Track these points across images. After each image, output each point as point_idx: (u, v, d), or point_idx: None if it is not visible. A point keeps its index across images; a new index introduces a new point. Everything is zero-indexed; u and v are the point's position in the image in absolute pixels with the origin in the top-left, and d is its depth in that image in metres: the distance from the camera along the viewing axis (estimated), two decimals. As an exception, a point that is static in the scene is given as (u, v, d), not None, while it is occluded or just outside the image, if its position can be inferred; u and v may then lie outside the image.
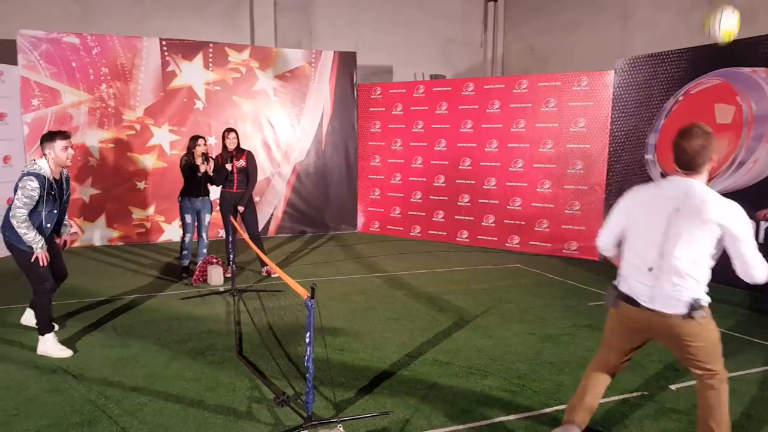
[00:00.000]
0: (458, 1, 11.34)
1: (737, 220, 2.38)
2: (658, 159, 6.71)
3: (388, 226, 9.04)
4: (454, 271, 6.76)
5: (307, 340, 2.92)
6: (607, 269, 5.13)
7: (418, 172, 8.69)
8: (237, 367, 3.85)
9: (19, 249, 3.89)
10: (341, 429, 2.95)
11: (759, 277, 2.40)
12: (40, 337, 4.02)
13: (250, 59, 8.44)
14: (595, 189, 7.42)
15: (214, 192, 6.21)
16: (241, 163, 6.06)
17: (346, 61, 8.96)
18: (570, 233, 7.60)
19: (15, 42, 7.22)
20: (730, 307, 5.36)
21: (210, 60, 8.20)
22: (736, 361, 4.03)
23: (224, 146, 6.05)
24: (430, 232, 8.67)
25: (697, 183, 2.49)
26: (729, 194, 5.79)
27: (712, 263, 2.45)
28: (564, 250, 7.63)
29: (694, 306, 2.42)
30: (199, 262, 6.02)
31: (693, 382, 3.48)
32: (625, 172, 7.05)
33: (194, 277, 5.93)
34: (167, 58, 7.96)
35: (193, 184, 5.99)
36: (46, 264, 3.94)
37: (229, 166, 6.01)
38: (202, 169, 5.88)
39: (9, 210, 3.82)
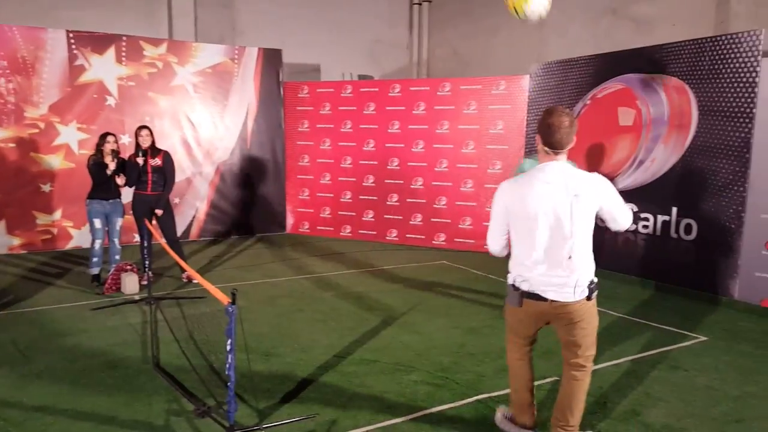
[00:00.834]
0: (385, 2, 11.38)
1: (609, 188, 2.55)
2: (568, 158, 7.00)
3: (318, 227, 8.91)
4: (383, 270, 6.76)
5: (228, 347, 2.78)
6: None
7: (347, 172, 8.62)
8: (154, 380, 3.62)
9: None
10: (266, 438, 2.83)
11: (628, 223, 2.64)
12: None
13: (168, 54, 8.04)
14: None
15: (126, 195, 5.83)
16: (157, 162, 5.73)
17: (271, 59, 8.74)
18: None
19: None
20: (625, 293, 5.81)
21: (123, 54, 7.72)
22: (635, 343, 4.36)
23: (137, 144, 5.69)
24: (360, 231, 8.62)
25: (568, 164, 2.57)
26: (631, 191, 6.30)
27: None
28: (486, 246, 7.81)
29: (592, 288, 2.55)
30: (112, 270, 5.63)
31: (598, 366, 3.72)
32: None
33: (106, 285, 5.54)
34: (75, 52, 7.41)
35: (102, 185, 5.58)
36: None
37: (140, 160, 5.64)
38: (112, 167, 5.50)
39: None
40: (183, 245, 6.40)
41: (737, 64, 5.33)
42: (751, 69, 5.22)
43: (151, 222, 5.67)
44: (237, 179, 8.72)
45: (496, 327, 4.66)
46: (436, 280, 6.27)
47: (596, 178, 2.55)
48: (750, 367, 3.95)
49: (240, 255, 7.58)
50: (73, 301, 5.29)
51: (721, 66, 5.47)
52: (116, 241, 5.80)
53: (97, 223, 5.62)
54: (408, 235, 8.33)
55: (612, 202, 2.55)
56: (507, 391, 3.11)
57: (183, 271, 5.91)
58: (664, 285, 5.96)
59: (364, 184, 8.52)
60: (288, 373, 3.75)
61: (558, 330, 2.67)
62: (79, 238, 7.59)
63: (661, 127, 6.06)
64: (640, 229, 6.25)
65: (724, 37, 5.48)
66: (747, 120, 5.27)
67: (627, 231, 6.39)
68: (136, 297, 5.39)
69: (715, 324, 4.89)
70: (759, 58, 5.17)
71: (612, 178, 6.57)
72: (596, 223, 2.58)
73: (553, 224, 2.49)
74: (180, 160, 7.91)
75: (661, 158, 6.07)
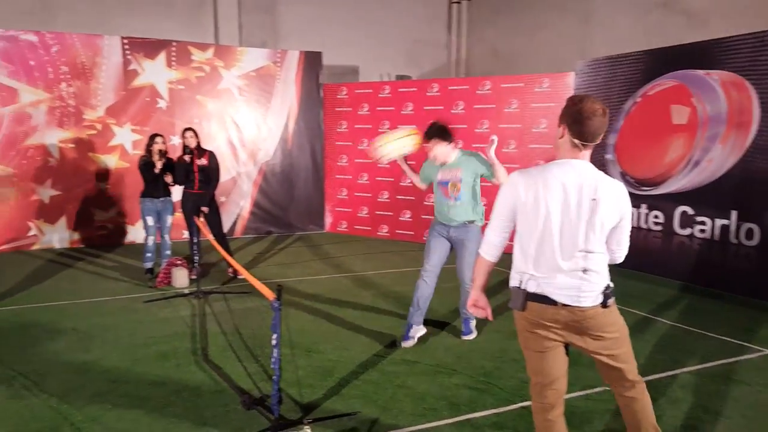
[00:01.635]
0: (423, 2, 11.44)
1: (630, 205, 2.30)
2: (618, 159, 6.94)
3: (356, 226, 9.08)
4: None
5: (274, 342, 2.94)
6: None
7: (385, 172, 8.75)
8: (203, 371, 3.84)
9: None
10: (308, 430, 2.99)
11: (623, 257, 2.36)
12: None
13: (214, 58, 8.35)
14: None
15: (177, 193, 6.13)
16: (203, 161, 6.00)
17: (311, 61, 8.95)
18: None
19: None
20: (680, 300, 5.58)
21: (173, 59, 8.08)
22: (692, 354, 4.20)
23: (184, 145, 5.98)
24: (397, 231, 8.74)
25: (591, 165, 2.25)
26: (686, 192, 6.17)
27: None
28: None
29: (608, 294, 2.25)
30: (163, 264, 5.94)
31: (651, 377, 3.69)
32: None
33: (158, 279, 5.85)
34: (129, 57, 7.80)
35: (153, 184, 5.91)
36: None
37: (187, 158, 5.93)
38: (159, 166, 5.80)
39: None
40: (228, 242, 6.66)
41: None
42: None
43: (199, 219, 5.95)
44: (278, 179, 8.98)
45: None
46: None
47: (621, 187, 2.26)
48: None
49: (281, 252, 7.82)
50: (128, 294, 5.61)
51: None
52: (167, 237, 6.12)
53: (150, 220, 5.95)
54: (445, 235, 8.38)
55: (627, 222, 2.30)
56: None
57: (229, 266, 6.18)
58: (723, 293, 5.73)
59: (401, 183, 8.63)
60: (330, 369, 3.89)
61: (586, 351, 2.29)
62: (133, 233, 8.00)
63: (718, 125, 5.86)
64: (696, 234, 6.06)
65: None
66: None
67: (681, 235, 6.24)
68: (186, 291, 5.67)
69: (780, 336, 4.61)
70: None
71: (665, 180, 6.44)
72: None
73: (566, 226, 2.19)
74: (225, 160, 8.21)
75: (719, 159, 5.87)
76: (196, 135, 6.01)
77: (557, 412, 2.34)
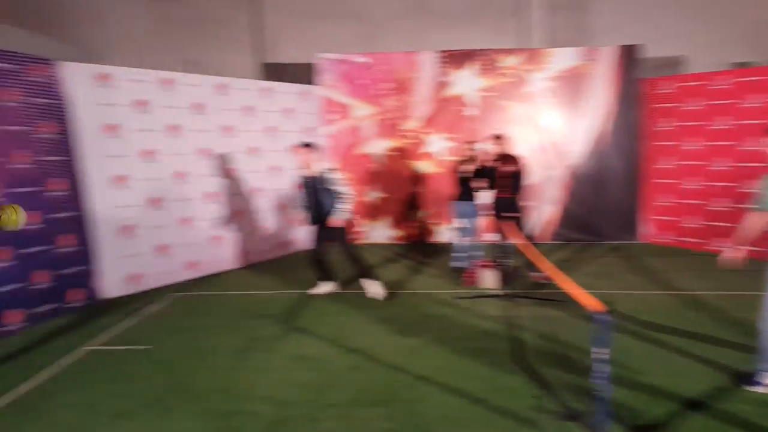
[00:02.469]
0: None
1: None
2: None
3: (681, 238, 7.91)
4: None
5: (598, 356, 2.66)
6: None
7: (720, 175, 7.39)
8: (515, 373, 3.78)
9: None
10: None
11: None
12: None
13: (521, 63, 8.36)
14: None
15: (485, 197, 6.28)
16: (510, 167, 6.00)
17: (628, 56, 8.17)
18: None
19: (314, 65, 8.53)
20: None
21: (480, 67, 8.39)
22: None
23: (492, 152, 6.08)
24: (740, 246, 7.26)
25: None
26: None
27: None
28: None
29: None
30: (472, 265, 6.15)
31: None
32: None
33: (466, 278, 6.08)
34: (440, 69, 8.42)
35: (464, 188, 6.18)
36: None
37: (496, 163, 6.00)
38: (469, 171, 6.02)
39: None
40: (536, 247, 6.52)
41: None
42: None
43: (505, 222, 5.97)
44: (588, 183, 8.44)
45: None
46: None
47: None
48: None
49: (591, 262, 7.30)
50: (440, 289, 5.98)
51: None
52: (476, 238, 6.32)
53: (461, 222, 6.24)
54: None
55: None
56: None
57: (536, 270, 6.03)
58: None
59: (744, 190, 7.15)
60: (659, 394, 3.43)
61: None
62: (445, 233, 8.59)
63: None
64: None
65: None
66: None
67: None
68: (494, 292, 5.73)
69: None
70: None
71: None
72: None
73: None
74: (533, 164, 8.11)
75: None
76: (504, 140, 6.07)
77: None
